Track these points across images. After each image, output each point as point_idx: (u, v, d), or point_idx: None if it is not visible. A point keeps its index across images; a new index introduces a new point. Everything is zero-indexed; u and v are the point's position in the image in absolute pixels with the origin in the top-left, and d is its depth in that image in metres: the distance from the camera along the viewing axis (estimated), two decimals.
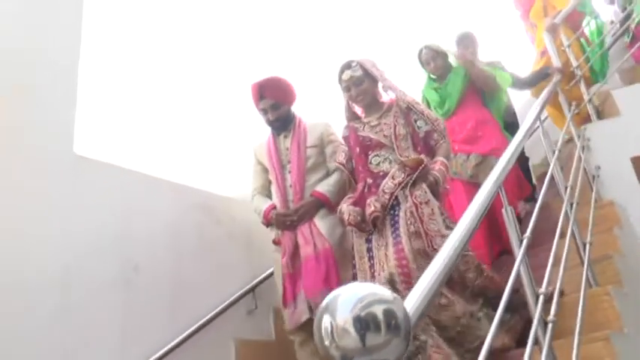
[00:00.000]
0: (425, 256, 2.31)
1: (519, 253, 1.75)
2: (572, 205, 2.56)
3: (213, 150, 3.57)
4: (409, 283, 2.22)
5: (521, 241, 1.80)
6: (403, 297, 0.98)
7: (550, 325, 1.67)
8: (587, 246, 2.44)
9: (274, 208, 2.93)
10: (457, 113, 3.55)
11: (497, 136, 3.45)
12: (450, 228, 2.35)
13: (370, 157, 2.67)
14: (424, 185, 2.46)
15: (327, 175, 2.98)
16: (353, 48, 4.09)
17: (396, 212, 2.46)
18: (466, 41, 3.96)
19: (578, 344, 1.78)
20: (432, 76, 3.71)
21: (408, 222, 2.40)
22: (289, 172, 2.98)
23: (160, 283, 2.85)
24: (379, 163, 2.64)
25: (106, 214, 2.76)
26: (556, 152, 2.79)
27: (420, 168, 2.48)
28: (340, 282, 2.58)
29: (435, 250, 2.20)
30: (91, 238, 2.66)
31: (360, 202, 2.58)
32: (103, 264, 2.67)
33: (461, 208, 3.10)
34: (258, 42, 4.20)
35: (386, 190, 2.51)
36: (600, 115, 3.74)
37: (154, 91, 3.36)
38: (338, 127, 2.97)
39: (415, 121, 2.72)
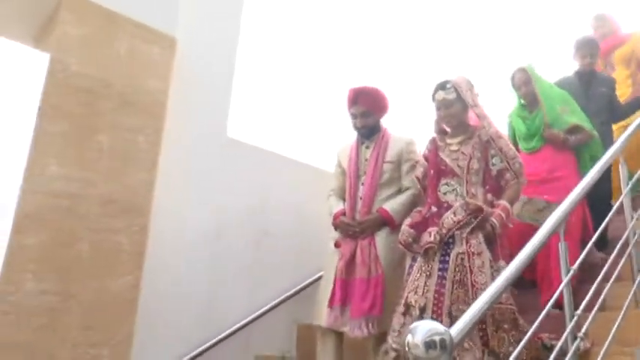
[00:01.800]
0: (463, 303, 2.42)
1: (565, 280, 2.25)
2: (634, 233, 2.94)
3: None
4: (439, 316, 2.42)
5: (568, 271, 2.29)
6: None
7: (578, 340, 2.17)
8: None
9: (344, 213, 3.04)
10: (541, 150, 3.44)
11: (568, 184, 3.18)
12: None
13: (441, 183, 2.76)
14: (480, 235, 2.55)
15: (399, 191, 3.05)
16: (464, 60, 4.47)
17: (449, 250, 2.56)
18: (585, 50, 3.78)
19: (603, 355, 2.29)
20: (522, 101, 3.58)
21: (457, 269, 2.51)
22: (362, 183, 3.05)
23: (284, 246, 3.58)
24: (447, 192, 2.73)
25: (248, 188, 3.54)
26: (630, 183, 3.12)
27: (480, 217, 2.55)
28: (383, 308, 2.77)
29: None
30: (236, 207, 3.46)
31: (419, 226, 2.72)
32: (242, 227, 3.48)
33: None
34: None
35: (445, 225, 2.60)
36: None
37: (294, 85, 4.03)
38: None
39: (492, 157, 2.75)
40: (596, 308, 2.38)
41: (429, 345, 1.30)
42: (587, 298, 2.37)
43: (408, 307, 2.55)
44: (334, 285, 2.91)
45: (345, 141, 3.30)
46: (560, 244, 2.35)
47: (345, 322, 2.83)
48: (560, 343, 2.10)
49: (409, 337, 1.34)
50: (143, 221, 2.88)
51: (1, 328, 2.34)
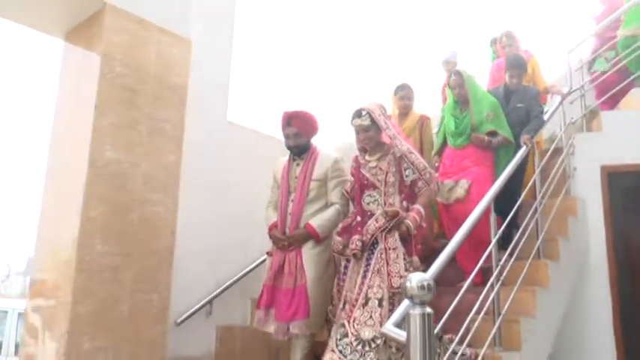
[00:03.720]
0: (378, 288, 2.94)
1: (493, 241, 3.21)
2: (541, 202, 3.95)
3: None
4: (353, 306, 2.97)
5: (495, 233, 3.26)
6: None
7: (501, 280, 3.16)
8: (543, 231, 3.87)
9: (276, 226, 3.40)
10: (466, 148, 3.95)
11: (477, 169, 3.88)
12: (408, 270, 2.94)
13: (365, 195, 3.22)
14: (396, 234, 3.03)
15: (326, 205, 3.39)
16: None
17: (374, 250, 3.06)
18: (513, 71, 4.15)
19: (515, 291, 3.27)
20: (455, 99, 4.02)
21: (376, 262, 3.01)
22: (292, 200, 3.38)
23: None
24: (369, 203, 3.19)
25: (243, 165, 4.28)
26: (543, 161, 4.13)
27: (396, 220, 3.04)
28: (309, 313, 3.14)
29: (392, 287, 2.92)
30: (233, 180, 4.21)
31: (346, 233, 3.20)
32: (238, 197, 4.25)
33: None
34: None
35: (369, 231, 3.08)
36: (588, 128, 5.00)
37: (286, 71, 4.76)
38: None
39: (405, 170, 3.19)
40: (512, 261, 3.31)
41: (421, 287, 2.21)
42: (508, 251, 3.38)
43: (346, 303, 3.06)
44: (262, 290, 3.34)
45: (281, 157, 3.69)
46: (490, 215, 3.31)
47: (269, 324, 3.24)
48: (490, 282, 3.07)
49: (408, 282, 2.23)
50: (174, 195, 3.59)
51: (80, 282, 3.04)
